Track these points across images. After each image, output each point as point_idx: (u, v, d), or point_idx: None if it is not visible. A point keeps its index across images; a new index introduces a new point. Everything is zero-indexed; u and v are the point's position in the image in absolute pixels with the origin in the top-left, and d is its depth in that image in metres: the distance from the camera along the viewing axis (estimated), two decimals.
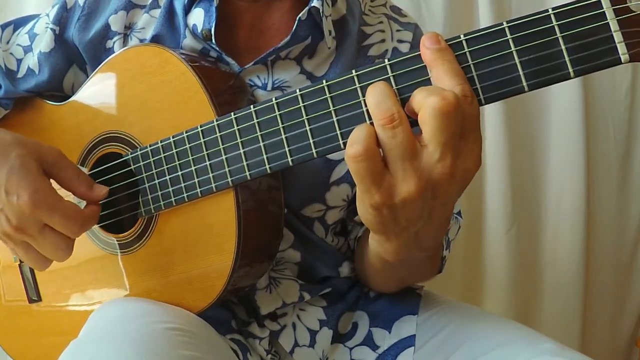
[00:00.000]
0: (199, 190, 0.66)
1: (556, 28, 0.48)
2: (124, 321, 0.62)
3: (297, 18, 0.72)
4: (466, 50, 0.50)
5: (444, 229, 0.58)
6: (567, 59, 0.48)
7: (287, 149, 0.58)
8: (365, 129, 0.49)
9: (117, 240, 0.75)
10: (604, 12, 0.47)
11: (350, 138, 0.49)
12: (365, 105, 0.53)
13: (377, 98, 0.49)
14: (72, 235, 0.65)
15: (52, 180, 0.66)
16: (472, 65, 0.50)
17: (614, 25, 0.47)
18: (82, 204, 0.69)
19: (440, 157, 0.48)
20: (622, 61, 0.47)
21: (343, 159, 0.77)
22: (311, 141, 0.56)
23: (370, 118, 0.52)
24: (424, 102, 0.47)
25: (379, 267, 0.72)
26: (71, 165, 0.68)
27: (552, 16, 0.48)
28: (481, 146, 0.51)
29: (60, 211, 0.63)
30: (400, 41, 0.82)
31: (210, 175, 0.64)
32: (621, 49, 0.47)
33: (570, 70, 0.48)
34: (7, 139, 0.65)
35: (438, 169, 0.48)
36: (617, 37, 0.47)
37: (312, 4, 0.72)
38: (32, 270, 0.83)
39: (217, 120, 0.63)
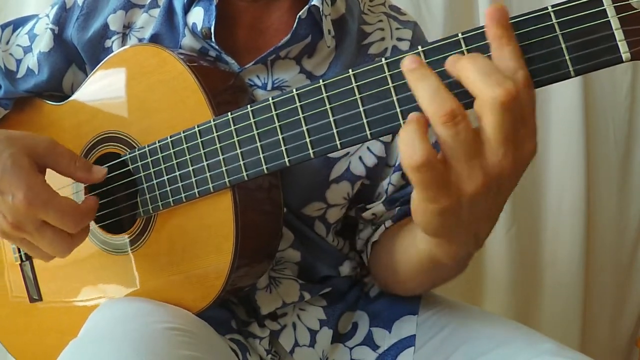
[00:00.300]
0: (196, 190, 0.66)
1: (556, 26, 0.47)
2: (124, 321, 0.62)
3: (297, 16, 0.72)
4: (464, 48, 0.49)
5: (497, 218, 0.55)
6: (567, 57, 0.47)
7: (283, 148, 0.58)
8: (415, 129, 0.45)
9: (117, 241, 0.75)
10: (604, 9, 0.46)
11: (405, 147, 0.45)
12: (363, 105, 0.52)
13: (430, 92, 0.45)
14: (69, 230, 0.64)
15: (49, 171, 0.66)
16: None
17: (615, 23, 0.46)
18: (78, 196, 0.69)
19: (505, 153, 0.45)
20: (624, 59, 0.46)
21: (342, 157, 0.77)
22: (308, 140, 0.56)
23: (367, 116, 0.52)
24: (483, 92, 0.44)
25: (429, 268, 0.67)
26: (66, 151, 0.67)
27: (552, 14, 0.47)
28: (536, 132, 0.48)
29: (55, 207, 0.62)
30: (399, 39, 0.82)
31: (208, 175, 0.64)
32: (622, 47, 0.46)
33: (571, 69, 0.48)
34: None
35: (503, 163, 0.46)
36: (619, 35, 0.46)
37: (312, 3, 0.72)
38: (32, 270, 0.83)
39: (214, 120, 0.63)
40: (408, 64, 0.47)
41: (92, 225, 0.76)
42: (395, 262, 0.73)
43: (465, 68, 0.46)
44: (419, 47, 0.50)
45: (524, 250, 1.47)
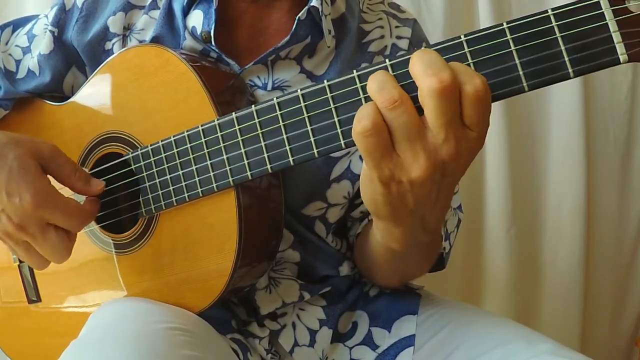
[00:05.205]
0: (199, 189, 0.66)
1: (556, 28, 0.48)
2: (125, 321, 0.62)
3: (297, 18, 0.72)
4: (466, 50, 0.50)
5: (447, 208, 0.59)
6: (566, 59, 0.48)
7: (288, 147, 0.58)
8: (372, 106, 0.49)
9: (118, 241, 0.75)
10: (603, 12, 0.47)
11: (357, 115, 0.49)
12: None
13: (378, 84, 0.50)
14: (74, 229, 0.66)
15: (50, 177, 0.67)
16: (472, 65, 0.50)
17: (612, 26, 0.47)
18: (81, 199, 0.69)
19: (446, 138, 0.48)
20: (621, 61, 0.47)
21: (343, 156, 0.77)
22: (312, 140, 0.56)
23: None
24: (420, 80, 0.48)
25: (385, 257, 0.71)
26: (68, 160, 0.68)
27: (552, 17, 0.48)
28: (486, 126, 0.51)
29: (62, 209, 0.63)
30: (399, 37, 0.82)
31: (211, 174, 0.64)
32: (620, 49, 0.47)
33: (570, 70, 0.48)
34: (3, 139, 0.65)
35: (444, 149, 0.49)
36: (616, 37, 0.47)
37: (311, 4, 0.73)
38: (31, 271, 0.83)
39: (218, 120, 0.63)
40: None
41: (93, 225, 0.76)
42: (370, 250, 0.74)
43: (412, 62, 0.49)
44: (423, 47, 0.51)
45: (524, 250, 1.47)
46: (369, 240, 0.74)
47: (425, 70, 0.48)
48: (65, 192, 0.68)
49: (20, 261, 0.82)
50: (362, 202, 0.79)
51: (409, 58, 0.51)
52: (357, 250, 0.84)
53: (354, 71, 0.53)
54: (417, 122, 0.49)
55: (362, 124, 0.49)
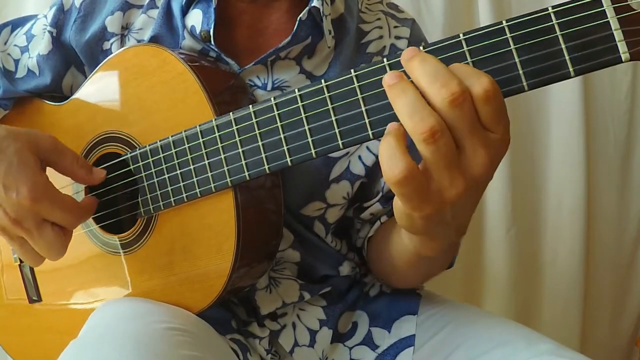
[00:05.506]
0: (198, 190, 0.66)
1: (556, 27, 0.48)
2: (124, 321, 0.62)
3: (298, 18, 0.72)
4: (465, 49, 0.50)
5: (474, 210, 0.57)
6: (567, 57, 0.48)
7: (285, 148, 0.58)
8: (395, 144, 0.46)
9: (117, 241, 0.75)
10: (604, 10, 0.46)
11: (386, 161, 0.46)
12: (365, 105, 0.53)
13: (408, 108, 0.46)
14: (69, 225, 0.65)
15: (49, 170, 0.67)
16: (470, 64, 0.49)
17: (614, 24, 0.46)
18: (79, 196, 0.69)
19: (474, 151, 0.47)
20: (623, 60, 0.47)
21: (342, 156, 0.77)
22: (310, 140, 0.56)
23: (369, 117, 0.52)
24: (432, 95, 0.46)
25: (412, 262, 0.70)
26: (68, 151, 0.68)
27: (552, 15, 0.48)
28: (507, 124, 0.49)
29: (59, 205, 0.63)
30: (397, 37, 0.82)
31: (209, 174, 0.64)
32: (621, 47, 0.46)
33: (571, 69, 0.48)
34: (1, 132, 0.65)
35: (479, 162, 0.47)
36: (618, 35, 0.46)
37: (312, 4, 0.72)
38: (32, 271, 0.83)
39: (215, 120, 0.63)
40: (388, 80, 0.48)
41: (93, 225, 0.76)
42: (391, 255, 0.73)
43: (414, 70, 0.47)
44: (421, 48, 0.51)
45: (524, 250, 1.47)
46: (390, 247, 0.73)
47: (432, 83, 0.46)
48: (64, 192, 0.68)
49: (21, 261, 0.82)
50: (370, 206, 0.80)
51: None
52: (372, 255, 0.83)
53: (352, 71, 0.53)
54: (455, 148, 0.46)
55: (396, 174, 0.45)
